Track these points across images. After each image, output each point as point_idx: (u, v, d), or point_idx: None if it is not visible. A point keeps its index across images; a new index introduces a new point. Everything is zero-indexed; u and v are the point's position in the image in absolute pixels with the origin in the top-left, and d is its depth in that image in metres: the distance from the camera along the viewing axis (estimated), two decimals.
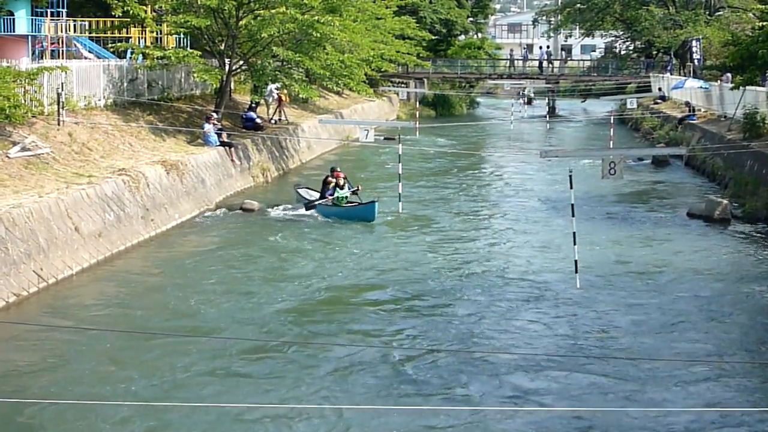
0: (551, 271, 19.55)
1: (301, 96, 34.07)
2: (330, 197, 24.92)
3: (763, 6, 38.55)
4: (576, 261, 17.72)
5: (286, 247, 21.45)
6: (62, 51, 33.14)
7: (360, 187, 25.52)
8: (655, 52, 66.84)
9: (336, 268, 19.66)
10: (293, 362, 14.04)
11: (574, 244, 17.69)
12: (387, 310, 16.92)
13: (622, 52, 73.22)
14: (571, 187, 17.78)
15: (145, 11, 30.84)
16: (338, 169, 25.78)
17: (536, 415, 12.36)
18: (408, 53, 56.36)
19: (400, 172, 24.41)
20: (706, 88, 42.62)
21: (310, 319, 16.26)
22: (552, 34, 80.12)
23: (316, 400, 12.64)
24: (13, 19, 31.96)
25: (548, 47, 77.69)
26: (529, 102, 72.78)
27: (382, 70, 50.04)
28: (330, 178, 25.22)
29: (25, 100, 23.00)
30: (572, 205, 17.94)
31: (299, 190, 26.95)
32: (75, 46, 33.64)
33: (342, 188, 24.92)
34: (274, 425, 11.94)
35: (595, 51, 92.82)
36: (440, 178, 33.75)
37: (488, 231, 24.34)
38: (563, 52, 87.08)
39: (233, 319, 16.09)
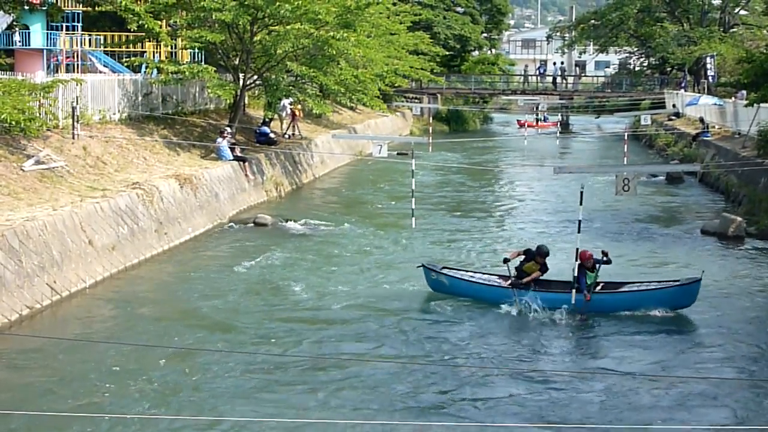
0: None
1: (314, 111, 34.17)
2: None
3: None
4: (574, 277, 17.76)
5: (299, 262, 21.45)
6: (77, 65, 33.39)
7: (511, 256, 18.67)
8: (669, 69, 66.79)
9: (348, 280, 19.68)
10: (308, 377, 14.05)
11: (576, 260, 17.64)
12: (379, 320, 16.92)
13: (636, 69, 73.19)
14: (581, 204, 17.77)
15: (160, 26, 31.00)
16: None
17: None
18: (422, 69, 56.50)
19: (413, 187, 24.41)
20: (720, 104, 42.54)
21: (324, 333, 16.25)
22: (566, 50, 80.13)
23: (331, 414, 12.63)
24: (29, 33, 32.26)
25: (562, 63, 77.55)
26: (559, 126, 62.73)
27: (396, 85, 50.24)
28: (538, 258, 18.09)
29: (39, 114, 23.12)
30: (579, 221, 17.91)
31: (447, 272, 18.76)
32: (90, 60, 33.90)
33: (591, 270, 17.73)
34: None
35: (609, 67, 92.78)
36: (452, 195, 33.73)
37: (496, 246, 24.26)
38: (577, 68, 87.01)
39: (246, 333, 16.09)
